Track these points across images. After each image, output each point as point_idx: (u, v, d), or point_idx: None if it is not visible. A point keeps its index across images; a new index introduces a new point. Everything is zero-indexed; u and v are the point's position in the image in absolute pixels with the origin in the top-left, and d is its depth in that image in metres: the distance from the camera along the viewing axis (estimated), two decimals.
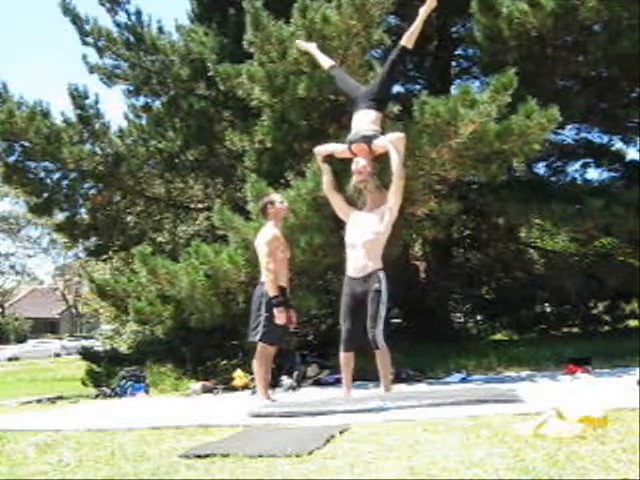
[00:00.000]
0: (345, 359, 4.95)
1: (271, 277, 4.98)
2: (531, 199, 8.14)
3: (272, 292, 4.97)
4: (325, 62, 5.76)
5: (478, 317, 15.10)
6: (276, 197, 5.43)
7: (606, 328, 12.90)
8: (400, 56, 5.37)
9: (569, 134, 10.86)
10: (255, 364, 5.11)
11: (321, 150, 5.22)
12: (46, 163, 9.58)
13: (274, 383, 6.59)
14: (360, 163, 4.80)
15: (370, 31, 6.63)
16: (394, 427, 3.35)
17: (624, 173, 10.33)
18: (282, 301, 5.00)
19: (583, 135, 11.02)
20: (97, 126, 9.90)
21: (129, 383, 7.66)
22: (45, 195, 9.91)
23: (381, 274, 4.85)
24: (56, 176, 9.79)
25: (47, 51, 73.75)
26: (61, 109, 9.87)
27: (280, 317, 4.95)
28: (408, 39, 5.25)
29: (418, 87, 10.46)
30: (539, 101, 6.37)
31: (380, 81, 5.32)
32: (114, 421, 4.43)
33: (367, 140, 4.87)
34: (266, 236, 5.13)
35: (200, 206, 11.15)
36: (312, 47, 5.94)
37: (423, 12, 5.34)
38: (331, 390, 5.86)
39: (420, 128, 6.31)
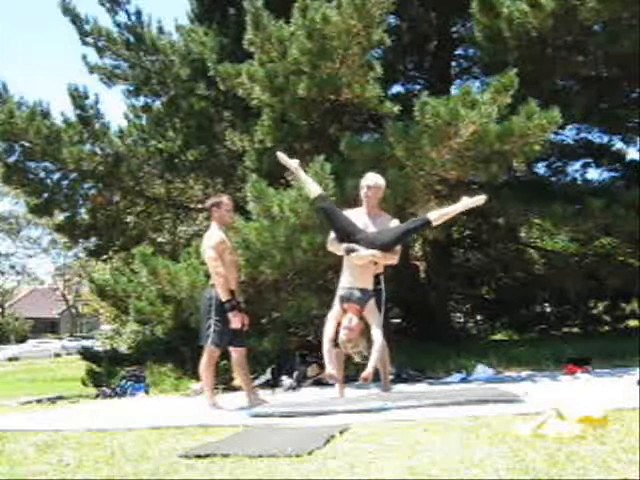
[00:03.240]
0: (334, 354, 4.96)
1: (221, 281, 4.89)
2: (531, 199, 8.13)
3: (224, 296, 4.88)
4: (313, 190, 5.11)
5: (478, 317, 15.10)
6: (224, 200, 5.24)
7: (606, 328, 12.90)
8: (421, 227, 5.23)
9: (569, 134, 10.87)
10: (202, 368, 5.02)
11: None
12: (46, 163, 9.58)
13: (274, 383, 6.60)
14: (353, 321, 4.68)
15: (370, 31, 6.63)
16: (394, 427, 3.35)
17: (624, 173, 10.33)
18: (234, 305, 4.93)
19: (583, 135, 11.02)
20: (97, 126, 9.90)
21: (129, 383, 7.66)
22: (45, 195, 9.92)
23: (381, 277, 4.89)
24: (56, 176, 9.79)
25: (47, 51, 73.79)
26: (61, 109, 9.88)
27: (235, 321, 4.88)
28: (437, 218, 4.95)
29: (418, 87, 10.46)
30: (539, 101, 6.37)
31: (392, 238, 4.92)
32: (114, 421, 4.43)
33: (361, 303, 4.75)
34: (212, 240, 5.03)
35: (200, 206, 11.15)
36: (294, 165, 5.18)
37: (464, 205, 5.01)
38: (331, 390, 5.85)
39: (421, 128, 6.31)
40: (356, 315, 4.71)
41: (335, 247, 4.94)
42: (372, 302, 4.77)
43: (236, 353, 5.05)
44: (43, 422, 4.67)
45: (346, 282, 4.80)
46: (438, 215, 4.96)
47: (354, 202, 6.61)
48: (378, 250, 4.72)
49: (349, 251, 4.73)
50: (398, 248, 4.89)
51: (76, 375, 11.35)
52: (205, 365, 5.01)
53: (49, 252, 43.64)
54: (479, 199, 4.99)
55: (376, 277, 4.90)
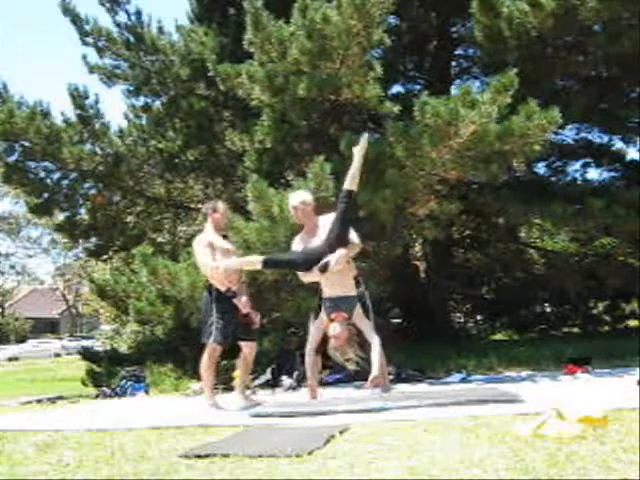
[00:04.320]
0: (309, 360, 4.99)
1: (213, 273, 4.91)
2: (531, 199, 8.14)
3: (222, 287, 4.90)
4: (255, 264, 5.09)
5: (478, 317, 15.10)
6: (220, 206, 5.26)
7: (606, 328, 12.91)
8: (349, 202, 4.95)
9: (569, 134, 10.88)
10: (202, 367, 5.02)
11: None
12: (46, 163, 9.57)
13: (274, 383, 6.60)
14: (337, 329, 4.65)
15: (370, 31, 6.63)
16: (394, 427, 3.35)
17: (624, 173, 10.34)
18: (234, 292, 4.92)
19: (583, 135, 11.03)
20: (97, 126, 9.89)
21: (129, 383, 7.66)
22: (45, 195, 9.92)
23: (360, 278, 4.91)
24: (56, 176, 9.79)
25: (47, 51, 73.77)
26: (61, 109, 9.87)
27: (243, 303, 4.90)
28: (351, 182, 4.87)
29: (418, 87, 10.47)
30: (539, 101, 6.37)
31: (339, 228, 4.83)
32: (114, 421, 4.43)
33: (348, 310, 4.73)
34: (199, 244, 5.09)
35: (200, 206, 11.15)
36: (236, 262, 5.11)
37: (357, 152, 4.94)
38: (331, 390, 5.86)
39: (421, 128, 6.31)
40: (343, 322, 4.69)
41: (310, 276, 4.88)
42: (359, 307, 4.78)
43: (247, 348, 5.07)
44: (43, 422, 4.67)
45: (329, 293, 4.82)
46: (350, 181, 4.87)
47: (354, 202, 6.61)
48: (341, 247, 4.71)
49: (324, 269, 4.69)
50: (353, 235, 4.84)
51: (76, 375, 11.35)
52: (206, 364, 5.01)
53: (49, 252, 43.65)
54: (363, 140, 4.96)
55: (355, 281, 4.91)
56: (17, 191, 16.24)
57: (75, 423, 4.33)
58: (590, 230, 9.15)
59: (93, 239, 11.02)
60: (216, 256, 5.00)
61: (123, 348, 13.27)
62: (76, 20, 9.98)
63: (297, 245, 5.03)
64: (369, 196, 6.49)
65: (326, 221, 4.93)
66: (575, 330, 13.04)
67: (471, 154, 6.47)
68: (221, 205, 5.27)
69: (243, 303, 4.94)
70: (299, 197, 5.12)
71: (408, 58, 10.73)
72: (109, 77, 10.46)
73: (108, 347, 14.41)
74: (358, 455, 2.72)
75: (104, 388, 8.14)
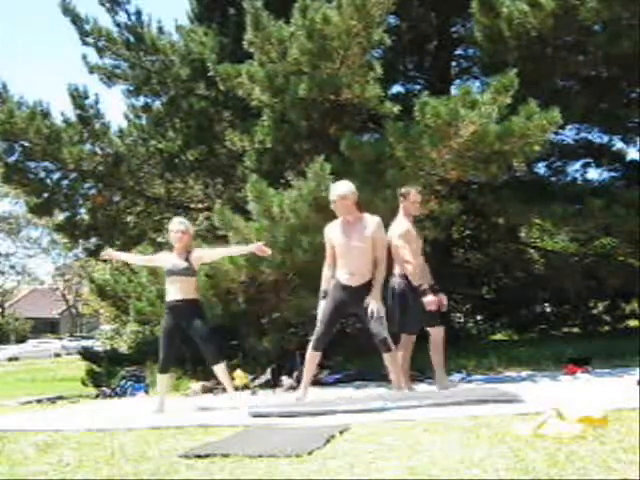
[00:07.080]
0: (311, 357, 5.04)
1: (409, 268, 5.11)
2: (531, 199, 8.14)
3: (415, 281, 5.12)
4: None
5: (478, 317, 15.08)
6: (412, 192, 5.34)
7: (606, 328, 12.90)
8: None
9: (569, 134, 10.87)
10: (401, 356, 5.24)
11: None
12: (46, 163, 9.58)
13: (274, 383, 6.60)
14: None
15: (370, 31, 6.63)
16: (394, 427, 3.35)
17: (624, 173, 10.34)
18: (425, 289, 5.10)
19: (583, 135, 11.03)
20: (97, 126, 9.89)
21: (129, 383, 7.67)
22: (45, 195, 9.92)
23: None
24: (56, 176, 9.80)
25: (47, 51, 73.78)
26: (61, 109, 9.88)
27: (429, 303, 5.05)
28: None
29: (418, 87, 10.47)
30: (539, 101, 6.37)
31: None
32: (114, 421, 4.43)
33: None
34: (400, 228, 5.21)
35: (200, 206, 11.14)
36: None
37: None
38: (331, 390, 5.86)
39: (421, 128, 6.31)
40: None
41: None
42: None
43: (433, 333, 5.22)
44: (43, 422, 4.67)
45: None
46: None
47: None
48: None
49: None
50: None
51: (76, 375, 11.36)
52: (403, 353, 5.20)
53: (49, 252, 43.71)
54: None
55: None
56: (17, 191, 16.24)
57: (75, 423, 4.33)
58: (590, 230, 9.15)
59: (93, 239, 11.01)
60: (412, 242, 5.15)
61: (123, 348, 13.29)
62: (76, 20, 9.98)
63: (332, 232, 5.01)
64: (369, 196, 6.49)
65: (363, 226, 4.88)
66: (575, 330, 13.03)
67: (471, 154, 6.47)
68: (413, 192, 5.32)
69: (430, 302, 5.05)
70: (337, 190, 4.99)
71: (408, 58, 10.73)
72: (109, 77, 10.45)
73: (108, 347, 14.44)
74: (358, 455, 2.72)
75: (104, 388, 8.14)
